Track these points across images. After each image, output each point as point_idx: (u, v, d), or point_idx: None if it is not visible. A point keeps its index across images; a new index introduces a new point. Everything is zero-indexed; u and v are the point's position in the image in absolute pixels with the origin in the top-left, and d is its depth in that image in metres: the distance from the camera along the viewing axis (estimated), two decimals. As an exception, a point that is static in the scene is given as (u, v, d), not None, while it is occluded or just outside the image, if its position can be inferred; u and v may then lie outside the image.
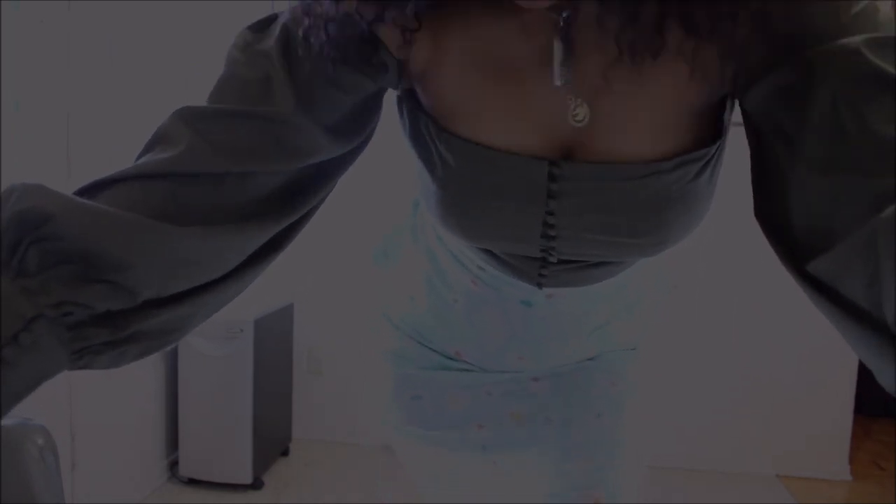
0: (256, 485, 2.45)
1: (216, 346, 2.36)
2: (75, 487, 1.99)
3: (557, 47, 0.54)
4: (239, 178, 0.51)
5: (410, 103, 0.62)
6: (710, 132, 0.59)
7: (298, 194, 0.56)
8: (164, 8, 2.28)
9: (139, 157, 0.52)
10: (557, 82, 0.54)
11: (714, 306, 2.68)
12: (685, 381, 2.68)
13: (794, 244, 0.49)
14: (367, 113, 0.61)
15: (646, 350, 0.92)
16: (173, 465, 2.51)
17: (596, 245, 0.64)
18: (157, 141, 0.51)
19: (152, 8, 2.22)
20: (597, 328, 0.82)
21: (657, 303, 0.87)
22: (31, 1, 1.75)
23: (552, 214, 0.61)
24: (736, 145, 0.62)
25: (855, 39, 0.46)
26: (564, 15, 0.53)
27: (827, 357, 2.60)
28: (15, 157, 1.71)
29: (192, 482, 2.45)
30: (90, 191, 0.49)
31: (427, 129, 0.61)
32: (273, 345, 2.59)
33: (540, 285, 0.72)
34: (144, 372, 2.35)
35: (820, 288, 0.47)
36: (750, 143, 0.55)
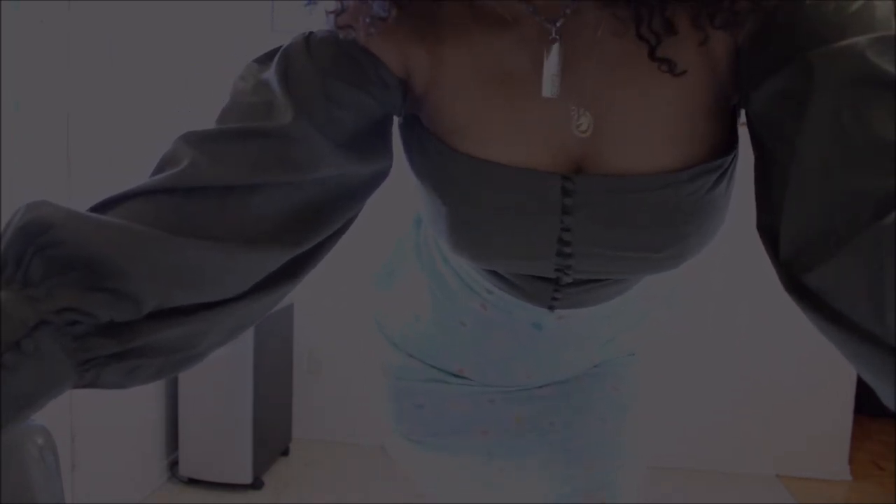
0: (256, 485, 2.45)
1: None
2: (75, 487, 1.99)
3: (548, 57, 0.53)
4: (244, 193, 0.51)
5: (416, 128, 0.61)
6: (726, 142, 0.58)
7: (310, 223, 0.56)
8: (164, 8, 2.28)
9: None
10: (546, 93, 0.54)
11: (714, 308, 2.68)
12: (686, 382, 2.68)
13: (792, 255, 0.48)
14: (375, 138, 0.59)
15: (648, 353, 0.91)
16: (173, 465, 2.51)
17: (613, 261, 0.62)
18: (164, 165, 0.52)
19: (152, 8, 2.22)
20: (605, 342, 0.82)
21: (666, 314, 0.86)
22: (31, 1, 1.75)
23: (567, 231, 0.60)
24: (743, 156, 0.60)
25: (859, 41, 0.45)
26: (557, 24, 0.53)
27: (827, 358, 2.59)
28: (15, 157, 1.71)
29: (193, 482, 2.45)
30: (98, 210, 0.49)
31: (434, 150, 0.60)
32: (273, 345, 2.59)
33: (552, 308, 0.71)
34: (144, 372, 2.34)
35: (816, 303, 0.45)
36: (754, 151, 0.53)
